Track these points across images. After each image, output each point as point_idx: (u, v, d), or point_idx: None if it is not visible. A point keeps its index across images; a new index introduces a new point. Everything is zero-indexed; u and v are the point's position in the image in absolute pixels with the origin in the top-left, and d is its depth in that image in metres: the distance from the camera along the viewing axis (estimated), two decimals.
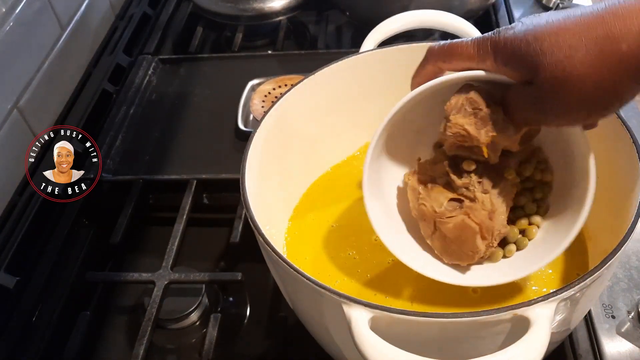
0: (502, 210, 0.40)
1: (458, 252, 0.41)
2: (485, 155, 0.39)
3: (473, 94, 0.38)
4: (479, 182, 0.40)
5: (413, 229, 0.44)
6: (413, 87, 0.40)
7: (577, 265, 0.44)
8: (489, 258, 0.42)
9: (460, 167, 0.41)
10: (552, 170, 0.43)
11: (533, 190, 0.42)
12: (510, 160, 0.41)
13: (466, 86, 0.38)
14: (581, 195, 0.38)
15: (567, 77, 0.30)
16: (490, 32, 0.35)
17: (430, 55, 0.38)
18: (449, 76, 0.38)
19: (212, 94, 0.75)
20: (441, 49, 0.37)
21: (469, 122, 0.38)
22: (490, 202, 0.40)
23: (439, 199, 0.41)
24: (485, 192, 0.40)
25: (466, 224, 0.40)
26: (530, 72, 0.32)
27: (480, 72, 0.36)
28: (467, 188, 0.40)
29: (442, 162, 0.41)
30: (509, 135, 0.38)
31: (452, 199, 0.41)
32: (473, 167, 0.40)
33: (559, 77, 0.30)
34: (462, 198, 0.40)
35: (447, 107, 0.39)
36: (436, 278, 0.41)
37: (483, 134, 0.38)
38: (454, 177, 0.41)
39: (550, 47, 0.30)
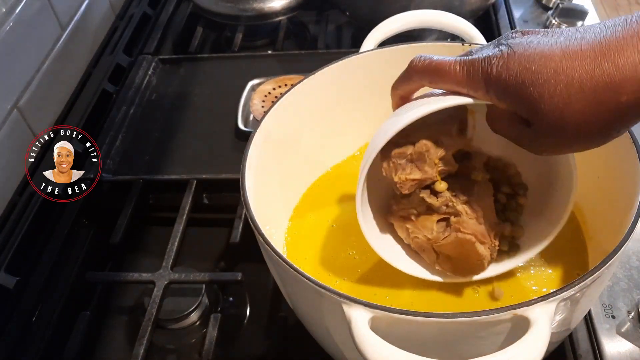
0: (488, 211, 0.41)
1: (468, 267, 0.42)
2: (440, 180, 0.40)
3: (394, 152, 0.39)
4: (455, 196, 0.41)
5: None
6: (394, 98, 0.40)
7: (577, 265, 0.44)
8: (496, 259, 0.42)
9: (433, 190, 0.41)
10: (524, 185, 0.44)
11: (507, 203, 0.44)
12: (474, 162, 0.42)
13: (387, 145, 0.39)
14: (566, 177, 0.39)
15: (565, 124, 0.30)
16: (479, 55, 0.33)
17: (413, 72, 0.36)
18: (439, 105, 0.36)
19: (212, 94, 0.75)
20: (426, 68, 0.35)
21: (411, 171, 0.39)
22: (472, 209, 0.41)
23: (427, 226, 0.42)
24: (464, 202, 0.41)
25: (461, 238, 0.40)
26: (526, 114, 0.32)
27: (469, 100, 0.35)
28: (447, 205, 0.41)
29: (415, 194, 0.42)
30: (452, 141, 0.39)
31: (439, 221, 0.41)
32: (445, 187, 0.41)
33: (557, 124, 0.31)
34: (447, 216, 0.41)
35: (385, 173, 0.40)
36: (435, 279, 0.41)
37: (430, 171, 0.39)
38: (431, 201, 0.41)
39: (550, 95, 0.30)
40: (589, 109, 0.29)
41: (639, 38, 0.28)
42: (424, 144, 0.39)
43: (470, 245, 0.40)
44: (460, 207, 0.41)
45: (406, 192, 0.40)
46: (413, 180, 0.40)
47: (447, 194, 0.41)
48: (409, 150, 0.39)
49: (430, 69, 0.35)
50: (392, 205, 0.43)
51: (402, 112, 0.38)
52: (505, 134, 0.35)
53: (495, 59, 0.32)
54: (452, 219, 0.41)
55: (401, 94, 0.39)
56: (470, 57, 0.33)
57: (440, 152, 0.39)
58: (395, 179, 0.40)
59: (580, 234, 0.46)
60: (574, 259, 0.45)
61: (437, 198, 0.41)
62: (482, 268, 0.41)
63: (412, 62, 0.36)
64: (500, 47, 0.32)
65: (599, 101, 0.29)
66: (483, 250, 0.40)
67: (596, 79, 0.29)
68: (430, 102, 0.36)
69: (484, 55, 0.32)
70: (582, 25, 0.73)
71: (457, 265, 0.42)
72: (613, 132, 0.31)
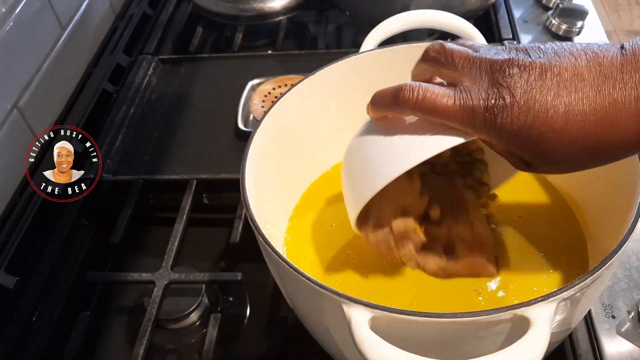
0: (477, 217, 0.42)
1: (482, 264, 0.43)
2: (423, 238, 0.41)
3: (373, 236, 0.39)
4: (443, 226, 0.42)
5: None
6: (374, 113, 0.37)
7: (577, 265, 0.44)
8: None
9: (427, 219, 0.42)
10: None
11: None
12: (456, 182, 0.44)
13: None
14: None
15: (563, 168, 0.33)
16: (479, 99, 0.31)
17: (403, 104, 0.34)
18: (441, 146, 0.34)
19: (212, 94, 0.75)
20: (420, 105, 0.33)
21: (404, 246, 0.40)
22: (465, 226, 0.42)
23: (434, 261, 0.42)
24: (457, 222, 0.42)
25: (471, 261, 0.42)
26: (527, 159, 0.33)
27: (471, 137, 0.33)
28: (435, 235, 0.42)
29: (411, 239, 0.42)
30: (416, 202, 0.40)
31: (444, 250, 0.42)
32: (438, 212, 0.42)
33: (556, 168, 0.33)
34: (450, 244, 0.42)
35: (375, 249, 0.40)
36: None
37: (417, 237, 0.40)
38: (427, 234, 0.41)
39: (553, 149, 0.31)
40: (587, 160, 0.32)
41: (635, 100, 0.29)
42: (398, 225, 0.39)
43: (481, 263, 0.42)
44: (457, 228, 0.42)
45: (413, 265, 0.41)
46: (408, 257, 0.40)
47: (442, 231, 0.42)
48: (388, 236, 0.39)
49: (423, 106, 0.33)
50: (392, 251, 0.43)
51: (388, 146, 0.36)
52: (500, 154, 0.35)
53: (498, 110, 0.31)
54: (457, 246, 0.42)
55: (382, 117, 0.38)
56: (471, 103, 0.32)
57: (411, 223, 0.40)
58: (405, 261, 0.40)
59: (580, 233, 0.46)
60: (574, 259, 0.45)
61: (430, 231, 0.42)
62: (494, 265, 0.43)
63: (401, 91, 0.34)
64: (500, 90, 0.31)
65: (598, 155, 0.31)
66: (491, 261, 0.42)
67: (598, 140, 0.30)
68: (428, 142, 0.34)
69: (486, 103, 0.31)
70: (582, 24, 0.73)
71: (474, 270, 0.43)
72: (606, 161, 0.33)
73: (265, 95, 0.70)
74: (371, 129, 0.39)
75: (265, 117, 0.46)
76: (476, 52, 0.34)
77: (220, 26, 0.89)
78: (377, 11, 0.77)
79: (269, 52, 0.83)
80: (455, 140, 0.33)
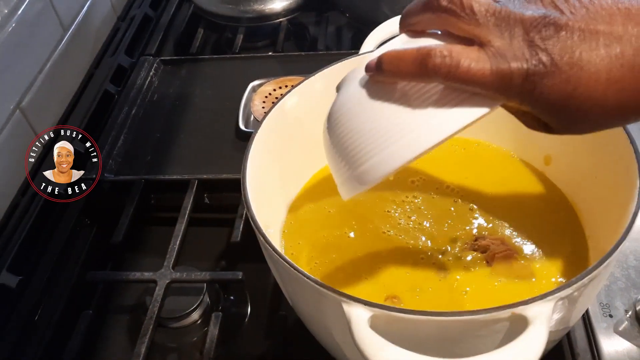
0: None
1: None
2: None
3: None
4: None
5: None
6: (386, 71, 0.32)
7: (578, 264, 0.44)
8: None
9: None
10: None
11: None
12: None
13: None
14: None
15: (590, 127, 0.31)
16: (515, 63, 0.28)
17: (434, 72, 0.30)
18: (464, 119, 0.31)
19: (213, 94, 0.76)
20: (452, 73, 0.30)
21: None
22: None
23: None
24: None
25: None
26: (556, 127, 0.31)
27: (497, 104, 0.31)
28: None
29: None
30: None
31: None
32: None
33: (581, 129, 0.31)
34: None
35: None
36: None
37: None
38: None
39: (585, 116, 0.29)
40: (613, 121, 0.30)
41: None
42: None
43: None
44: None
45: None
46: None
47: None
48: None
49: (460, 76, 0.30)
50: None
51: (408, 114, 0.31)
52: (513, 113, 0.34)
53: (539, 77, 0.28)
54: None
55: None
56: (508, 69, 0.29)
57: None
58: None
59: (581, 230, 0.46)
60: (575, 258, 0.45)
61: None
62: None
63: (431, 58, 0.30)
64: (539, 54, 0.28)
65: (626, 117, 0.30)
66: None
67: (634, 101, 0.29)
68: (455, 112, 0.31)
69: (526, 69, 0.28)
70: None
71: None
72: (630, 120, 0.31)
73: (266, 96, 0.71)
74: (375, 89, 0.33)
75: (266, 118, 0.47)
76: (497, 2, 0.30)
77: (221, 27, 0.89)
78: (377, 12, 0.78)
79: (270, 53, 0.84)
80: (482, 110, 0.30)
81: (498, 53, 0.29)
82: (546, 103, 0.29)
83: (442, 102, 0.31)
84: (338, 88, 0.38)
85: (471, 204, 0.49)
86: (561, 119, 0.30)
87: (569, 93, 0.28)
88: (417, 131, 0.31)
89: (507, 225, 0.47)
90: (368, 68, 0.34)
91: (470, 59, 0.29)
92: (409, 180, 0.52)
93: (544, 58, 0.28)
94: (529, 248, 0.46)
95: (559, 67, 0.28)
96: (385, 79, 0.33)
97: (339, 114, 0.35)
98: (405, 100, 0.32)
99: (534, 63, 0.28)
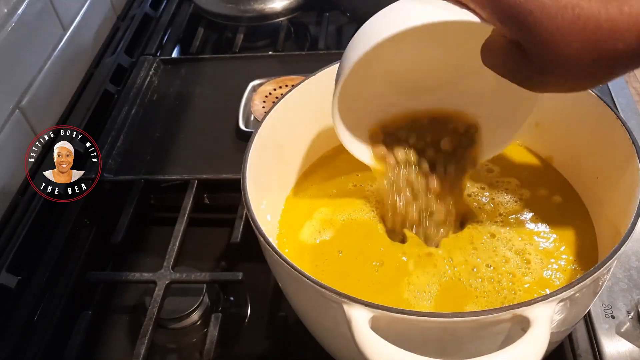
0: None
1: None
2: None
3: None
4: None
5: None
6: None
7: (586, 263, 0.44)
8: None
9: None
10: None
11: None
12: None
13: None
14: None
15: (560, 59, 0.30)
16: None
17: None
18: (452, 16, 0.33)
19: (213, 94, 0.76)
20: None
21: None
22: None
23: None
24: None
25: None
26: (526, 42, 0.31)
27: (475, 18, 0.33)
28: None
29: None
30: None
31: None
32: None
33: (553, 58, 0.31)
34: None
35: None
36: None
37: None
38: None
39: (555, 28, 0.29)
40: (586, 49, 0.30)
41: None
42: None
43: None
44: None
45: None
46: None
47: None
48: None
49: None
50: None
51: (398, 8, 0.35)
52: (499, 66, 0.35)
53: None
54: None
55: None
56: None
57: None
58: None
59: (592, 232, 0.46)
60: (585, 256, 0.44)
61: None
62: None
63: None
64: None
65: (597, 42, 0.29)
66: None
67: (600, 22, 0.29)
68: (438, 7, 0.33)
69: None
70: None
71: None
72: (602, 78, 0.31)
73: (266, 96, 0.71)
74: None
75: (266, 118, 0.47)
76: None
77: (221, 27, 0.89)
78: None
79: (270, 52, 0.84)
80: (467, 15, 0.33)
81: None
82: (515, 7, 0.30)
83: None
84: None
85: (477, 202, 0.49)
86: (533, 33, 0.30)
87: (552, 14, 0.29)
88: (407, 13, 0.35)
89: (518, 225, 0.47)
90: None
91: None
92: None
93: None
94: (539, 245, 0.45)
95: None
96: None
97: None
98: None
99: None
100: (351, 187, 0.51)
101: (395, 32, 0.34)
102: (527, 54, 0.32)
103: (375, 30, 0.36)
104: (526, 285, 0.42)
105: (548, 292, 0.33)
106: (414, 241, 0.45)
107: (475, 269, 0.43)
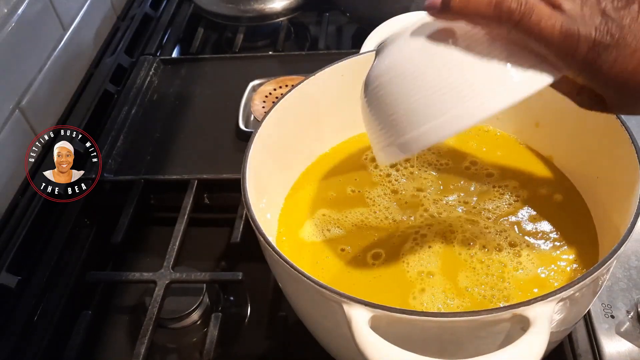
0: None
1: None
2: None
3: None
4: None
5: None
6: (457, 7, 0.30)
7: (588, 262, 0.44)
8: None
9: None
10: None
11: None
12: None
13: None
14: None
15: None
16: (584, 28, 0.28)
17: (506, 16, 0.29)
18: (526, 90, 0.30)
19: (213, 94, 0.76)
20: (524, 21, 0.28)
21: None
22: None
23: None
24: None
25: None
26: (613, 102, 0.31)
27: (557, 77, 0.30)
28: None
29: None
30: None
31: None
32: None
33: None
34: None
35: None
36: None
37: None
38: None
39: None
40: None
41: None
42: None
43: None
44: None
45: None
46: None
47: None
48: None
49: (529, 26, 0.28)
50: None
51: (469, 73, 0.30)
52: (570, 97, 0.34)
53: (603, 48, 0.28)
54: None
55: (452, 19, 0.31)
56: (577, 32, 0.28)
57: None
58: None
59: (593, 232, 0.46)
60: (586, 256, 0.44)
61: None
62: None
63: (507, 2, 0.29)
64: (609, 25, 0.28)
65: None
66: None
67: None
68: (516, 81, 0.29)
69: (594, 37, 0.28)
70: None
71: None
72: None
73: (266, 96, 0.71)
74: (436, 39, 0.31)
75: (266, 118, 0.47)
76: None
77: (221, 27, 0.89)
78: (378, 12, 0.77)
79: (270, 52, 0.84)
80: (547, 79, 0.29)
81: (569, 15, 0.28)
82: (606, 76, 0.28)
83: (505, 67, 0.30)
84: (378, 52, 0.35)
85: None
86: (620, 94, 0.29)
87: (633, 68, 0.28)
88: (479, 97, 0.30)
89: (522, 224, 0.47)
90: (430, 6, 0.31)
91: (542, 12, 0.29)
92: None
93: (614, 29, 0.28)
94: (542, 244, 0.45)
95: (626, 40, 0.27)
96: (449, 17, 0.31)
97: (384, 78, 0.33)
98: (465, 60, 0.30)
99: (603, 32, 0.28)
100: (350, 186, 0.51)
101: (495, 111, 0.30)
102: (607, 104, 0.31)
103: (476, 104, 0.30)
104: (523, 283, 0.42)
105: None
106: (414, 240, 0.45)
107: (475, 268, 0.43)
